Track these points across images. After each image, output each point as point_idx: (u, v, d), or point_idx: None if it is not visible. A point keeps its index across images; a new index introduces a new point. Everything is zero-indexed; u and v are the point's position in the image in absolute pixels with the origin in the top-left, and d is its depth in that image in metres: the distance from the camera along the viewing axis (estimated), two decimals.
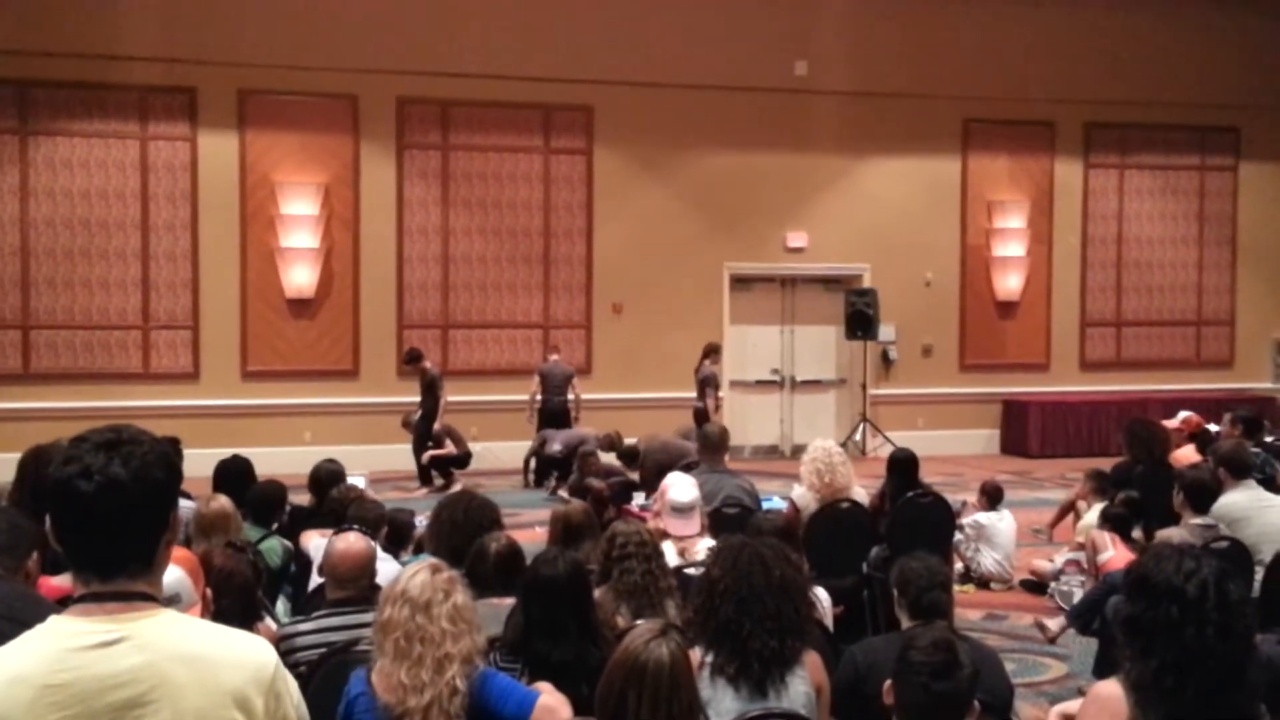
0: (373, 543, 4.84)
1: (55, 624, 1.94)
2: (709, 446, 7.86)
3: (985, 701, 3.32)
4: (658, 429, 12.79)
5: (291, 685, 2.07)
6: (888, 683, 3.21)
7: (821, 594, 5.19)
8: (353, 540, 4.59)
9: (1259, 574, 6.15)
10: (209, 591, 4.33)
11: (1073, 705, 3.23)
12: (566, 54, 14.52)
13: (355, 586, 4.47)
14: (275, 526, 6.54)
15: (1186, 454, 9.37)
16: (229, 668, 1.95)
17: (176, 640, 1.94)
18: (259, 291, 13.94)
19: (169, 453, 2.01)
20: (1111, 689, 2.92)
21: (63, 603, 3.25)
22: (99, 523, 1.92)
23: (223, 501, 5.69)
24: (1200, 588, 2.79)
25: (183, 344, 13.79)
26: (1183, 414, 11.11)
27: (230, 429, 12.70)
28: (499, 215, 14.68)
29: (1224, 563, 3.05)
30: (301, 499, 7.60)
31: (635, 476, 10.63)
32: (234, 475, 6.85)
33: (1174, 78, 16.34)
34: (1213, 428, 10.76)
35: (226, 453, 7.21)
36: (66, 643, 1.90)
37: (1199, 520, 6.59)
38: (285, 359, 14.01)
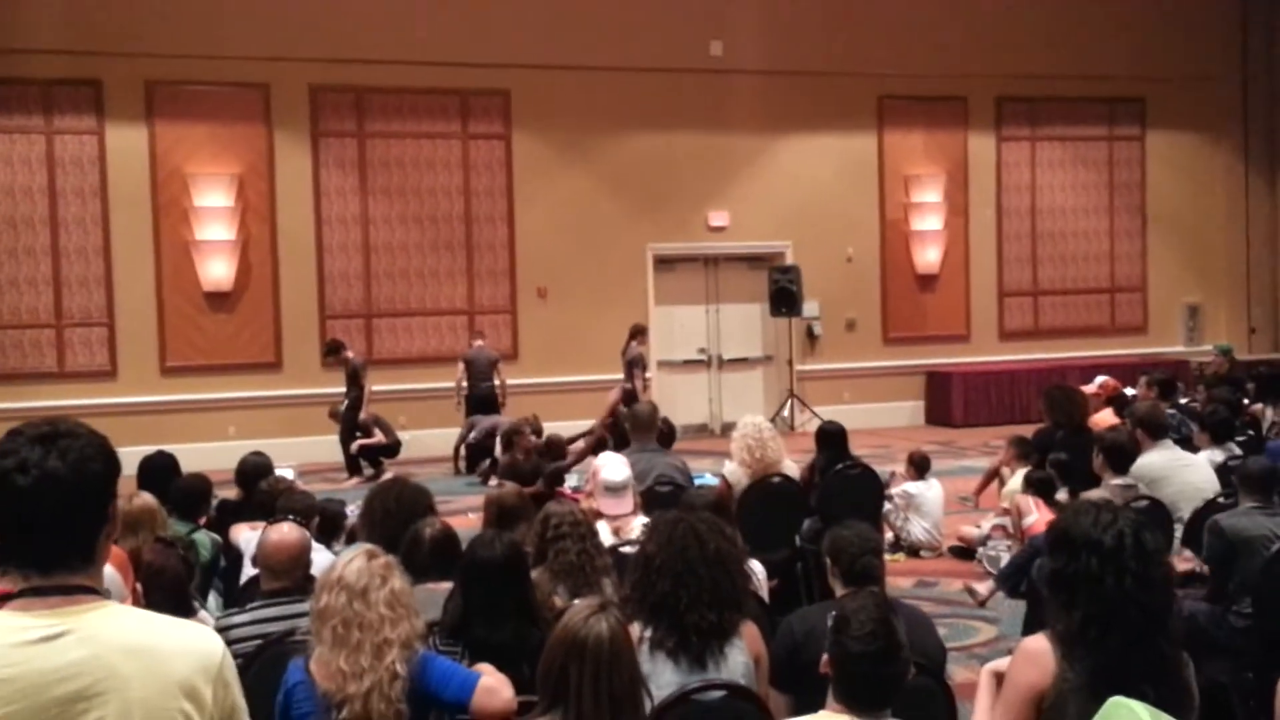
0: (306, 532, 4.80)
1: None
2: (639, 426, 7.88)
3: (919, 664, 3.38)
4: (586, 412, 12.82)
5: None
6: (825, 656, 3.22)
7: (756, 566, 5.23)
8: (286, 530, 4.54)
9: (1178, 531, 6.35)
10: (138, 586, 4.28)
11: (1004, 663, 3.29)
12: (482, 38, 14.40)
13: (290, 577, 4.43)
14: (203, 521, 6.48)
15: (1104, 417, 9.56)
16: (176, 658, 1.94)
17: (122, 632, 1.92)
18: (175, 286, 13.68)
19: (106, 444, 1.99)
20: (1039, 643, 2.98)
21: None
22: (37, 517, 1.90)
23: (146, 498, 5.62)
24: (1117, 538, 2.86)
25: (98, 341, 13.50)
26: (1099, 379, 11.33)
27: (151, 426, 12.45)
28: (419, 202, 14.55)
29: (1141, 515, 3.14)
30: (228, 494, 7.52)
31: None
32: (159, 471, 6.76)
33: (1081, 51, 16.62)
34: (1129, 391, 11.00)
35: (148, 450, 7.08)
36: (8, 638, 1.87)
37: (1119, 481, 6.71)
38: (205, 353, 13.78)
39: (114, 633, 1.91)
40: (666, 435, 8.17)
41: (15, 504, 1.90)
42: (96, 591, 1.96)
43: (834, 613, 3.25)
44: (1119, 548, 2.85)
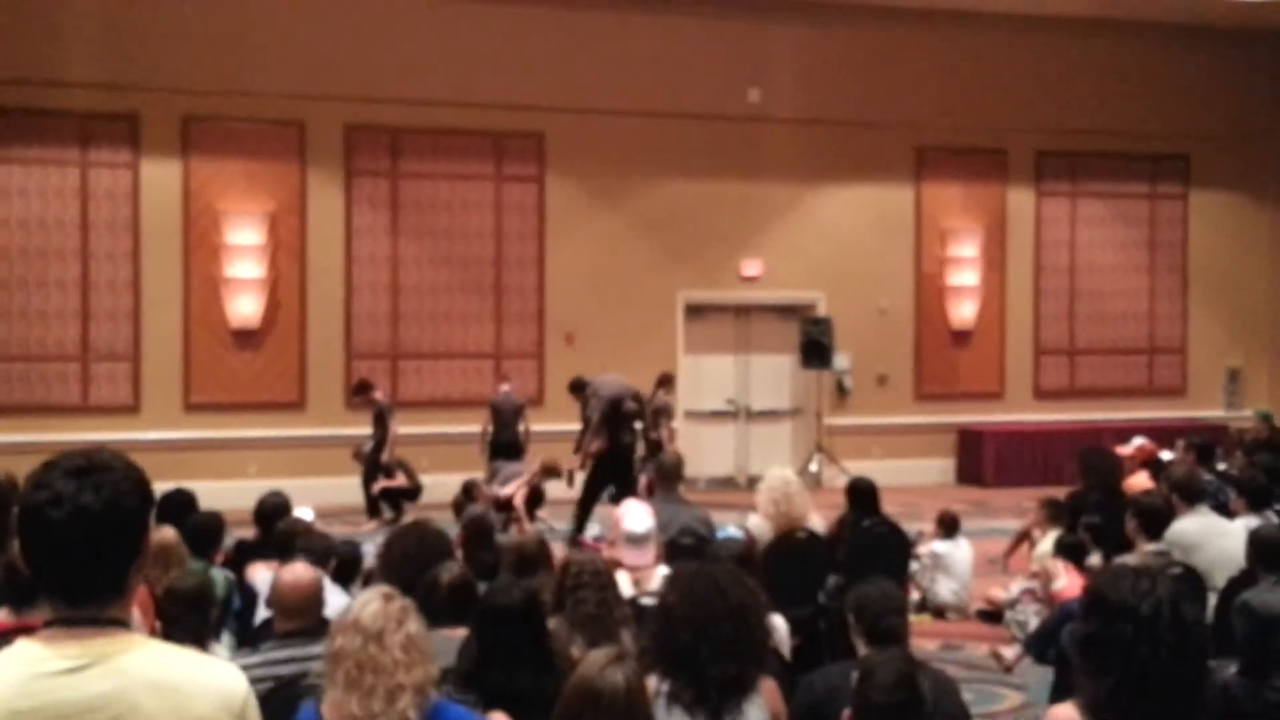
0: (321, 572, 4.78)
1: (23, 649, 1.95)
2: (664, 476, 7.88)
3: None
4: None
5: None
6: (846, 711, 3.23)
7: (779, 622, 5.17)
8: (300, 571, 4.55)
9: (1212, 600, 6.17)
10: (158, 625, 4.26)
11: None
12: (517, 80, 14.52)
13: (304, 618, 4.42)
14: (220, 559, 6.46)
15: (1140, 481, 9.44)
16: (199, 695, 1.96)
17: (146, 667, 1.95)
18: (202, 322, 13.76)
19: (141, 478, 2.02)
20: (1066, 713, 2.91)
21: (3, 636, 3.13)
22: (69, 550, 1.93)
23: (166, 533, 5.58)
24: (1154, 607, 2.78)
25: (123, 376, 13.56)
26: (1136, 441, 11.21)
27: (172, 463, 12.36)
28: (449, 243, 14.61)
29: (1180, 584, 3.04)
30: (246, 533, 7.48)
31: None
32: (177, 508, 6.77)
33: (1124, 106, 16.59)
34: (1166, 455, 10.84)
35: (169, 487, 7.02)
36: (34, 668, 1.91)
37: (1152, 546, 6.63)
38: (229, 391, 13.82)
39: (139, 667, 1.94)
40: (673, 471, 8.01)
41: (48, 537, 1.93)
42: (125, 624, 1.99)
43: (859, 666, 3.23)
44: (1155, 617, 2.76)
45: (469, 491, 10.42)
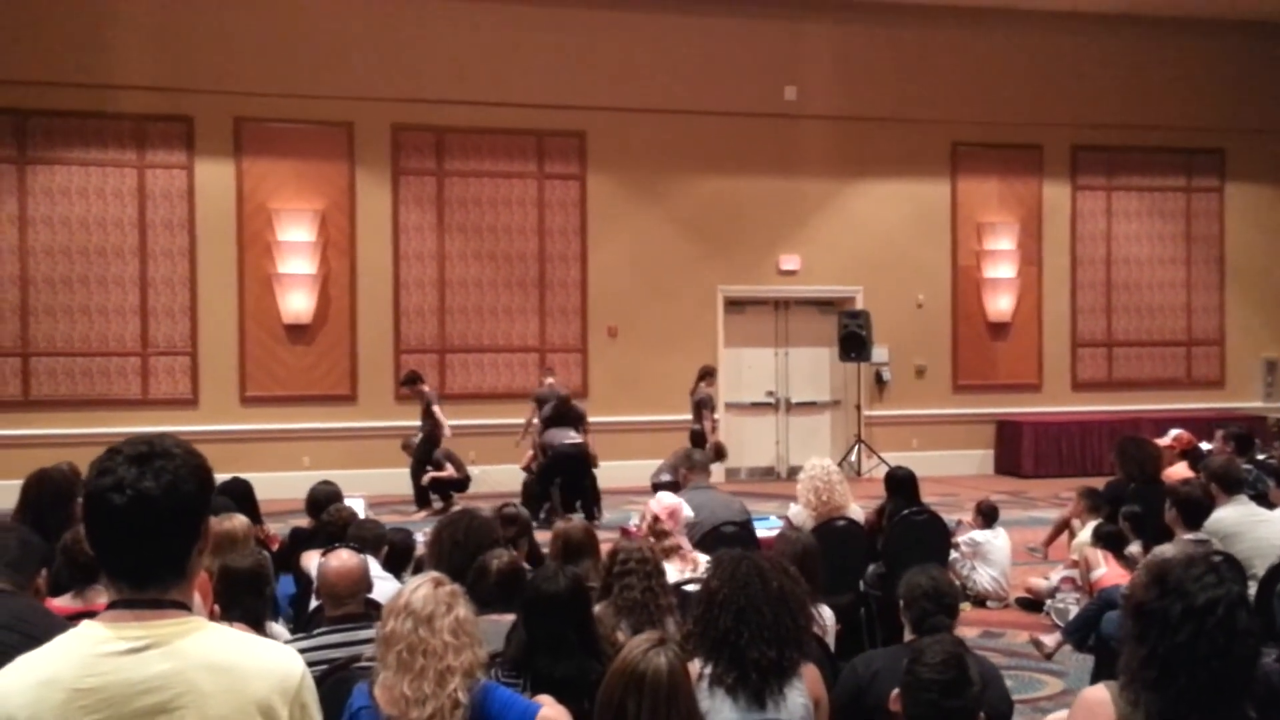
0: (365, 556, 4.84)
1: (87, 629, 1.98)
2: (692, 468, 7.91)
3: (988, 715, 3.38)
4: (653, 451, 12.86)
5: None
6: (895, 691, 3.27)
7: (826, 612, 5.20)
8: (345, 557, 4.59)
9: (1252, 588, 6.23)
10: (216, 609, 4.38)
11: (1062, 714, 3.27)
12: (559, 81, 14.65)
13: (355, 602, 4.49)
14: (276, 547, 6.58)
15: (1178, 471, 9.40)
16: (255, 677, 1.98)
17: (205, 648, 1.97)
18: (256, 317, 14.00)
19: (202, 464, 2.05)
20: (1099, 694, 2.91)
21: (69, 619, 3.28)
22: (131, 534, 1.96)
23: (236, 520, 5.66)
24: (1211, 603, 2.76)
25: (181, 370, 13.85)
26: (1174, 432, 11.15)
27: (229, 454, 12.63)
28: (494, 240, 14.77)
29: (1244, 591, 3.00)
30: (301, 522, 7.65)
31: None
32: (234, 497, 6.89)
33: (1160, 100, 16.50)
34: (1204, 446, 10.81)
35: (226, 478, 7.22)
36: (97, 648, 1.93)
37: (1191, 535, 6.59)
38: (283, 384, 14.06)
39: (197, 648, 1.96)
40: (702, 461, 8.10)
41: (111, 521, 1.96)
42: (186, 607, 2.01)
43: (909, 648, 3.26)
44: (1208, 611, 2.75)
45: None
